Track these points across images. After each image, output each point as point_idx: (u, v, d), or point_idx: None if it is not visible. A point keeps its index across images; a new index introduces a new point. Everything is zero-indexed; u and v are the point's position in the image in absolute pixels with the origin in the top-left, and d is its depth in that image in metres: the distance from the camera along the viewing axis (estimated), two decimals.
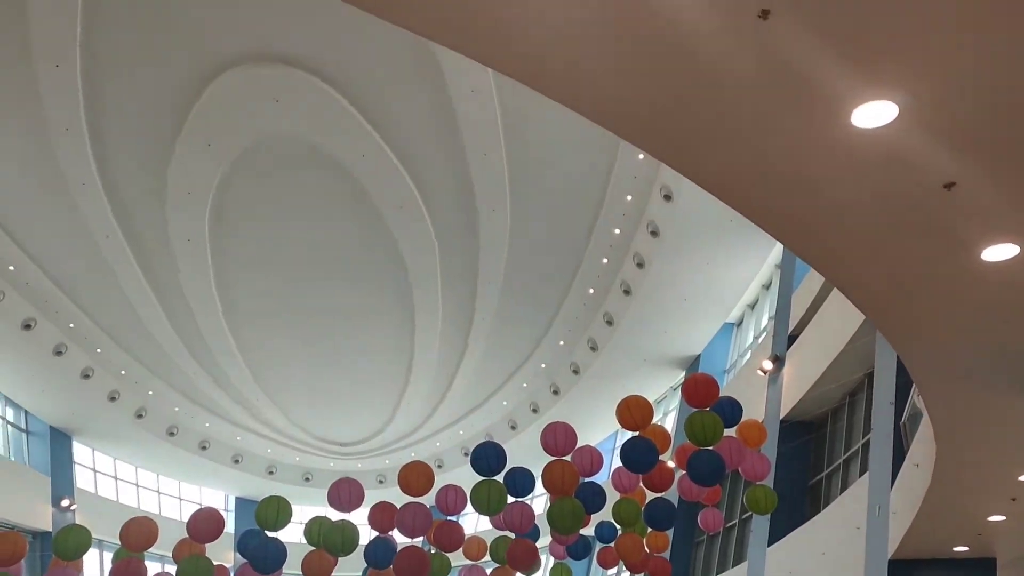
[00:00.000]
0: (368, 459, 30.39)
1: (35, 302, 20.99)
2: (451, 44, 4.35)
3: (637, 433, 8.47)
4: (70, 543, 8.34)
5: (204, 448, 28.50)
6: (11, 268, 19.88)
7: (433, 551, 9.59)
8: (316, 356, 25.27)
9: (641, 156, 17.16)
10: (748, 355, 20.00)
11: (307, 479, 31.01)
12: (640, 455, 7.92)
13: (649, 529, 9.59)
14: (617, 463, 19.22)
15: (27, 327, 21.06)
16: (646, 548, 9.61)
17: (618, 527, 9.69)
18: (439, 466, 28.20)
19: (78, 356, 22.98)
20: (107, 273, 20.97)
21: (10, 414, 25.35)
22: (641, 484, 9.29)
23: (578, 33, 4.00)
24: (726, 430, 8.36)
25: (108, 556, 23.60)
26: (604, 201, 19.11)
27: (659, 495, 9.21)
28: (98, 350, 23.33)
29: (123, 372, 24.45)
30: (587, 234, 20.25)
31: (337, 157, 19.15)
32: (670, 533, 10.73)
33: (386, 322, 24.26)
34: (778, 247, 17.88)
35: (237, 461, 29.69)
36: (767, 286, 19.68)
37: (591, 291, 21.69)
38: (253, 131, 18.51)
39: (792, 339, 16.18)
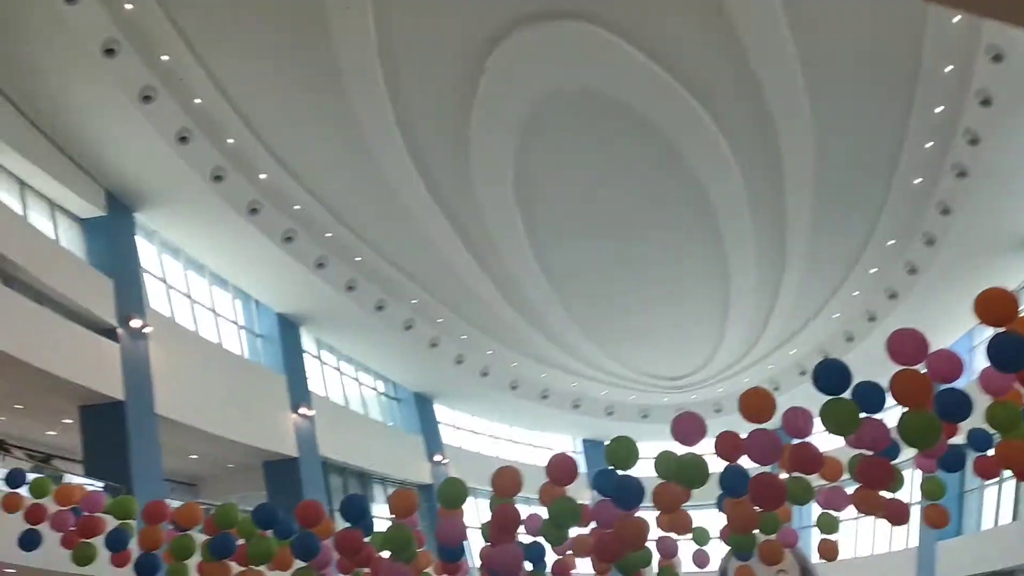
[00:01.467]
0: (701, 390, 30.44)
1: (383, 286, 23.64)
2: None
3: (1003, 329, 7.52)
4: (452, 494, 9.30)
5: (545, 397, 30.37)
6: (358, 259, 22.52)
7: (787, 475, 9.36)
8: (635, 300, 25.68)
9: (956, 19, 15.07)
10: None
11: (644, 416, 31.83)
12: (1012, 352, 7.01)
13: None
14: (979, 364, 17.35)
15: (379, 308, 23.82)
16: None
17: (994, 433, 8.74)
18: (775, 388, 27.44)
19: (424, 328, 25.53)
20: (437, 253, 22.93)
21: (381, 386, 28.96)
22: (1016, 384, 8.27)
23: None
24: None
25: (479, 502, 26.20)
26: (918, 77, 17.09)
27: None
28: (440, 320, 25.73)
29: (464, 337, 26.73)
30: (903, 119, 18.33)
31: (625, 100, 19.01)
32: None
33: (697, 255, 23.96)
34: None
35: (577, 406, 31.27)
36: None
37: (918, 181, 19.62)
38: (541, 89, 18.87)
39: None
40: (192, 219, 19.37)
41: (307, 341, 24.92)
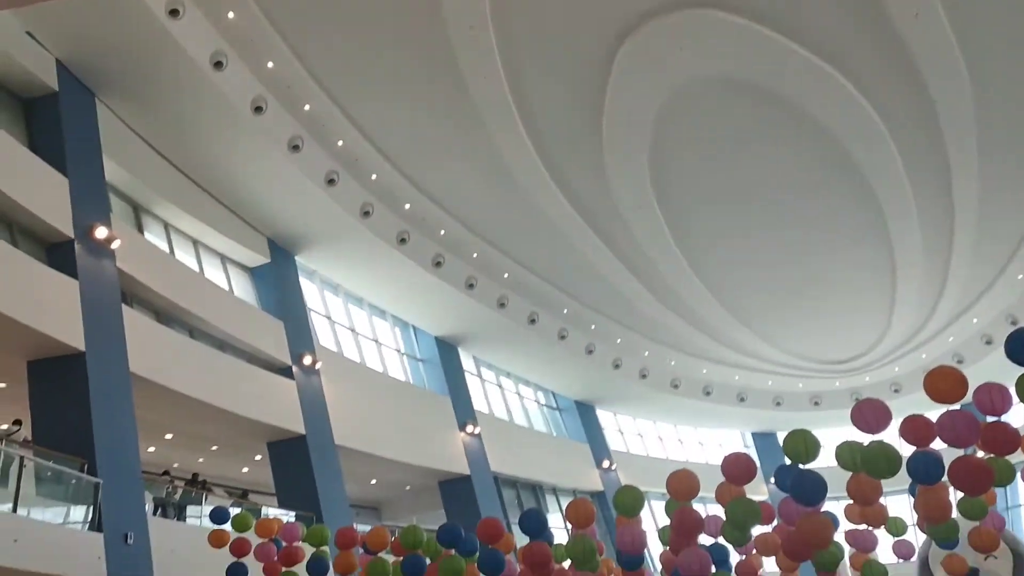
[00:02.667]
0: (874, 370, 28.87)
1: (533, 299, 23.92)
2: None
3: None
4: (629, 501, 9.27)
5: (708, 393, 29.70)
6: (505, 275, 22.88)
7: (984, 455, 8.73)
8: (792, 283, 24.70)
9: None
10: None
11: (815, 403, 30.54)
12: None
13: None
14: None
15: (532, 322, 24.10)
16: None
17: None
18: (959, 362, 25.69)
19: (579, 336, 25.61)
20: (582, 259, 22.91)
21: (542, 397, 29.24)
22: None
23: None
24: None
25: (655, 504, 26.00)
26: None
27: None
28: (593, 327, 25.73)
29: (619, 341, 26.59)
30: None
31: (761, 82, 18.27)
32: None
33: (854, 227, 22.73)
34: None
35: (742, 399, 30.40)
36: None
37: None
38: (672, 81, 18.43)
39: None
40: (347, 255, 20.32)
41: (466, 361, 25.52)
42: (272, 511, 16.63)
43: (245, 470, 19.87)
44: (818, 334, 27.41)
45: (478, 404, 24.88)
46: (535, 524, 10.43)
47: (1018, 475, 9.65)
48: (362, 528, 13.19)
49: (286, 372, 18.11)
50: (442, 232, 20.94)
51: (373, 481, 22.37)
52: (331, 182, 17.83)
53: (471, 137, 18.76)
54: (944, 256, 23.45)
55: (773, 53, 17.27)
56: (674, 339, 27.15)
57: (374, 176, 18.86)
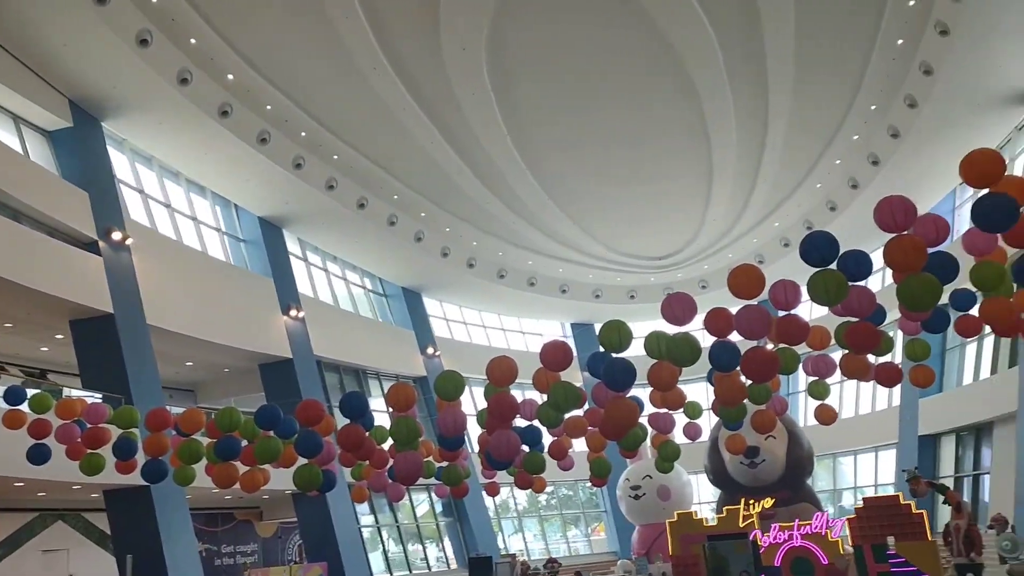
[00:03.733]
0: (686, 268, 30.70)
1: (363, 183, 23.36)
2: None
3: (988, 189, 7.54)
4: (449, 386, 9.48)
5: (532, 284, 30.59)
6: (335, 157, 22.14)
7: (773, 346, 9.57)
8: (617, 179, 25.50)
9: None
10: None
11: (632, 296, 32.20)
12: (999, 212, 7.05)
13: (1016, 287, 8.68)
14: (961, 223, 17.50)
15: (361, 206, 23.63)
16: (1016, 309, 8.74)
17: (977, 292, 8.90)
18: (760, 262, 27.75)
19: (408, 223, 25.42)
20: (414, 145, 22.54)
21: (368, 283, 29.05)
22: (1000, 242, 8.36)
23: None
24: None
25: (475, 390, 26.89)
26: None
27: None
28: (423, 214, 25.59)
29: (447, 229, 26.66)
30: None
31: None
32: None
33: (678, 130, 23.62)
34: None
35: (564, 291, 31.55)
36: None
37: (900, 42, 19.26)
38: None
39: None
40: (162, 125, 18.85)
41: (291, 243, 24.79)
42: (76, 392, 15.79)
43: (45, 349, 18.64)
44: (638, 231, 28.67)
45: (303, 288, 24.37)
46: (355, 406, 10.52)
47: (800, 364, 10.70)
48: (176, 411, 12.79)
49: (91, 247, 16.89)
50: (268, 107, 19.84)
51: (189, 363, 21.65)
52: (144, 42, 16.27)
53: (305, 12, 17.68)
54: (754, 164, 24.92)
55: None
56: (503, 230, 27.55)
57: (193, 40, 17.43)
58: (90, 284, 16.48)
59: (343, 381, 25.71)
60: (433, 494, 25.50)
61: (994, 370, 22.35)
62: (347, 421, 10.53)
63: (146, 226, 19.24)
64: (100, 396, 15.49)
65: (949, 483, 23.18)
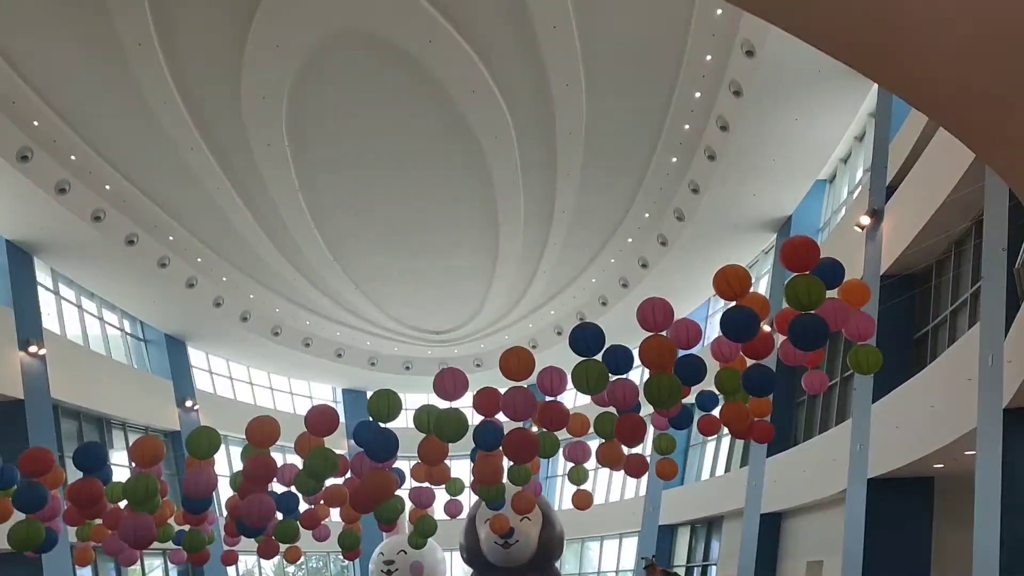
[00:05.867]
0: (463, 344, 31.22)
1: (135, 218, 21.82)
2: None
3: (734, 303, 8.36)
4: (203, 443, 8.90)
5: (307, 345, 29.74)
6: (107, 187, 20.60)
7: (538, 431, 9.89)
8: (404, 250, 25.68)
9: (719, 11, 16.27)
10: (843, 212, 19.34)
11: (407, 367, 32.16)
12: (741, 325, 7.83)
13: (750, 396, 9.61)
14: (711, 331, 19.15)
15: (130, 243, 22.00)
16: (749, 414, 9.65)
17: (719, 395, 9.74)
18: (533, 346, 28.75)
19: (181, 267, 23.99)
20: (198, 186, 21.53)
21: (127, 325, 26.91)
22: (740, 352, 9.24)
23: None
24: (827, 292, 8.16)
25: (233, 450, 25.41)
26: (683, 63, 18.28)
27: (758, 362, 9.15)
28: (199, 259, 24.29)
29: (224, 279, 25.46)
30: (666, 101, 19.53)
31: (405, 47, 18.73)
32: (770, 397, 10.72)
33: (469, 210, 24.30)
34: (872, 95, 16.93)
35: (340, 355, 30.94)
36: (860, 138, 18.77)
37: (674, 160, 21.15)
38: (320, 28, 18.19)
39: (890, 191, 15.50)
40: None
41: (41, 273, 22.52)
42: None
43: None
44: (420, 304, 28.87)
45: (49, 323, 22.10)
46: (91, 459, 9.59)
47: (560, 449, 11.10)
48: None
49: None
50: (35, 123, 18.19)
51: None
52: None
53: (84, 20, 16.59)
54: (538, 253, 26.10)
55: (421, 20, 17.79)
56: (283, 286, 26.72)
57: None
58: None
59: (82, 429, 23.33)
60: (168, 560, 23.51)
61: (727, 468, 24.37)
62: (80, 475, 9.56)
63: None
64: None
65: (681, 572, 24.74)
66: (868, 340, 9.14)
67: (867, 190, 16.59)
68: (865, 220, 15.98)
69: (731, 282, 8.08)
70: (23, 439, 18.90)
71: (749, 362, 9.30)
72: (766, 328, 9.27)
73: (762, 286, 23.34)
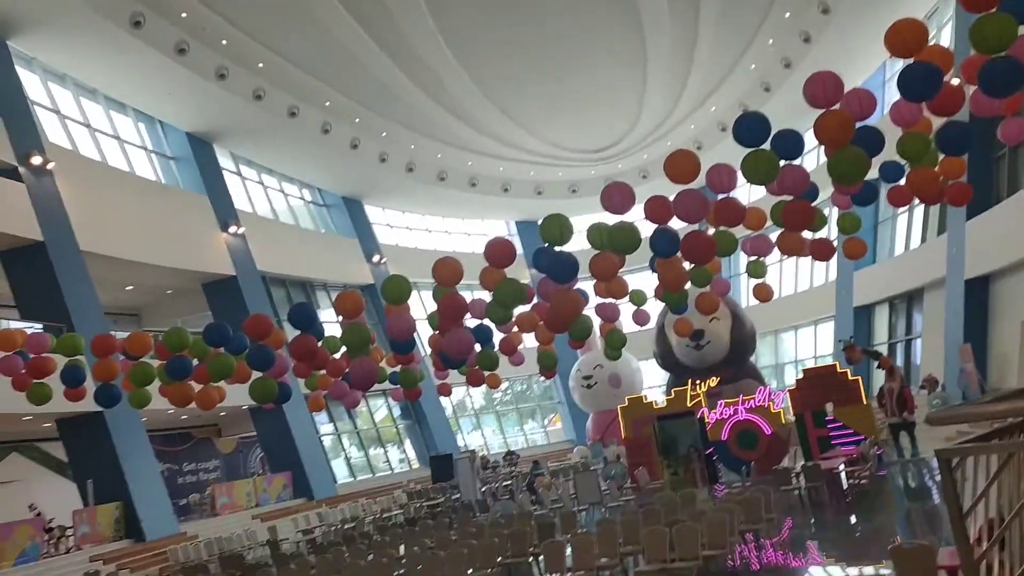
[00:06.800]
0: (626, 158, 30.72)
1: (291, 91, 22.58)
2: None
3: (913, 59, 7.64)
4: (396, 290, 9.51)
5: (474, 185, 30.36)
6: (260, 64, 21.31)
7: (714, 230, 9.74)
8: (553, 76, 25.10)
9: None
10: None
11: (573, 191, 32.22)
12: (922, 81, 7.16)
13: (941, 156, 8.93)
14: (891, 97, 17.72)
15: (292, 115, 22.92)
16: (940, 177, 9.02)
17: (904, 163, 9.13)
18: (698, 148, 27.87)
19: (343, 129, 24.81)
20: (346, 53, 21.77)
21: (307, 194, 28.53)
22: (925, 112, 8.53)
23: None
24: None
25: (423, 294, 26.96)
26: None
27: (949, 119, 8.41)
28: (356, 120, 24.98)
29: (384, 134, 26.14)
30: None
31: None
32: (965, 156, 9.91)
33: (609, 21, 23.18)
34: None
35: (506, 189, 31.40)
36: None
37: None
38: None
39: None
40: (72, 40, 17.89)
41: (223, 158, 24.09)
42: (14, 324, 15.45)
43: None
44: (576, 124, 28.45)
45: (240, 203, 23.85)
46: (304, 317, 10.51)
47: (739, 246, 10.93)
48: (121, 335, 12.63)
49: (11, 173, 16.23)
50: (184, 15, 18.89)
51: (129, 287, 21.25)
52: None
53: None
54: (688, 48, 24.71)
55: None
56: (440, 131, 27.10)
57: None
58: (16, 212, 15.92)
59: (290, 294, 25.54)
60: (390, 399, 25.87)
61: (923, 239, 23.13)
62: (298, 333, 10.54)
63: (67, 148, 18.51)
64: (40, 326, 15.20)
65: (883, 349, 24.28)
66: None
67: None
68: None
69: (905, 37, 7.35)
70: (243, 309, 20.99)
71: (936, 122, 8.59)
72: (954, 82, 8.46)
73: (944, 38, 21.09)
